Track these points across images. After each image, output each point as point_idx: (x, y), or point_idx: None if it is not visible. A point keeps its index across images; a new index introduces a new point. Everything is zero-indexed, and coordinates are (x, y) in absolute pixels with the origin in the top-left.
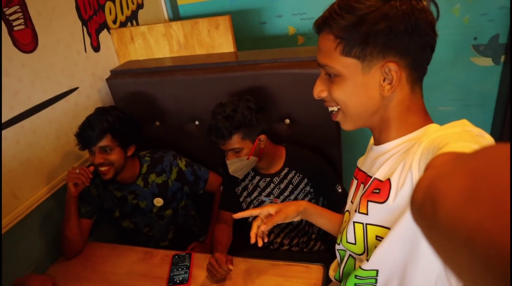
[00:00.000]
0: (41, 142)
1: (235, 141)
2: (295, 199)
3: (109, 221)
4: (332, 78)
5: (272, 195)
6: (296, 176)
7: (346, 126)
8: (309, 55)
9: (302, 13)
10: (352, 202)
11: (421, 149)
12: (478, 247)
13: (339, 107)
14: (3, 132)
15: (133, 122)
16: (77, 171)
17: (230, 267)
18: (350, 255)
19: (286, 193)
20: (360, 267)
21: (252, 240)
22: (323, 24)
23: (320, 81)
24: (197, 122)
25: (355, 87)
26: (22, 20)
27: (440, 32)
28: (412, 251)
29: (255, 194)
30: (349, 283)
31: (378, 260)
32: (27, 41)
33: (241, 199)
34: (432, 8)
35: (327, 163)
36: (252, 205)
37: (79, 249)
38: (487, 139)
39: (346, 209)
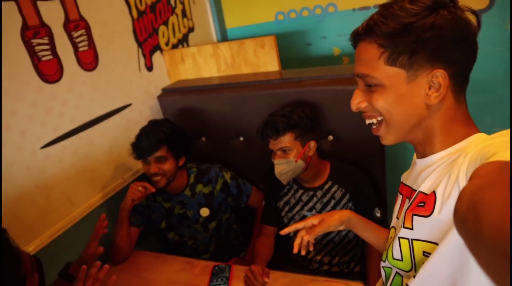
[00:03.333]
0: (96, 153)
1: (287, 139)
2: None
3: (156, 233)
4: (372, 88)
5: (314, 210)
6: (338, 191)
7: (389, 139)
8: (351, 72)
9: (347, 34)
10: (397, 218)
11: (468, 159)
12: None
13: (381, 118)
14: (64, 142)
15: (184, 134)
16: (140, 189)
17: (266, 279)
18: (397, 272)
19: (328, 208)
20: (407, 284)
21: (295, 250)
22: (365, 32)
23: (358, 92)
24: (241, 138)
25: (398, 96)
26: (86, 42)
27: (494, 49)
28: (461, 266)
29: (297, 208)
30: None
31: (425, 277)
32: (89, 61)
33: (283, 214)
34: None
35: (370, 182)
36: (293, 220)
37: (126, 256)
38: None
39: (391, 225)
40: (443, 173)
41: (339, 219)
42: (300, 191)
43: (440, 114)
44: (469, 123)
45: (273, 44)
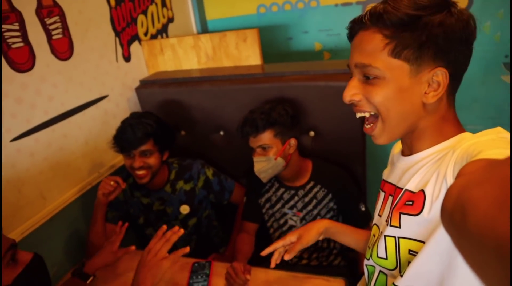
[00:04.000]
0: (71, 146)
1: (267, 137)
2: (318, 214)
3: (133, 228)
4: (371, 80)
5: (295, 208)
6: (321, 191)
7: (383, 139)
8: (335, 68)
9: (329, 29)
10: (380, 215)
11: (455, 157)
12: (507, 257)
13: (374, 112)
14: (37, 134)
15: (169, 128)
16: (112, 183)
17: (248, 276)
18: (380, 271)
19: (309, 208)
20: (393, 283)
21: (272, 265)
22: (371, 21)
23: (354, 83)
24: (222, 133)
25: (398, 91)
26: (60, 30)
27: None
28: (449, 264)
29: (278, 206)
30: None
31: (413, 275)
32: (63, 49)
33: (264, 211)
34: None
35: (352, 179)
36: (273, 217)
37: None
38: None
39: (374, 222)
40: (430, 171)
41: (317, 232)
42: (282, 189)
43: (434, 113)
44: (456, 123)
45: (255, 38)
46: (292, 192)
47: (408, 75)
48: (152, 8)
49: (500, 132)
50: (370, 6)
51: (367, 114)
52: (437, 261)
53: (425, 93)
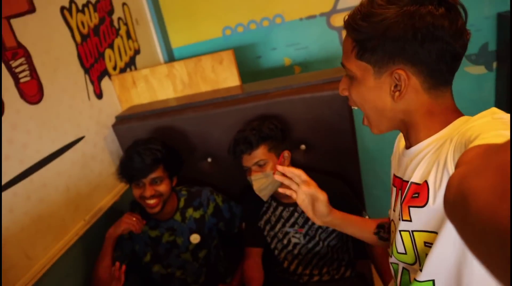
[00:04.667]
0: (51, 196)
1: (261, 152)
2: (319, 227)
3: (138, 269)
4: (351, 79)
5: (296, 225)
6: None
7: (374, 130)
8: (318, 79)
9: (296, 43)
10: (394, 210)
11: (454, 143)
12: (509, 245)
13: (358, 107)
14: (14, 187)
15: (177, 152)
16: (134, 220)
17: None
18: (404, 268)
19: (310, 222)
20: (415, 279)
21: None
22: (345, 26)
23: (344, 79)
24: (209, 159)
25: (368, 90)
26: (28, 72)
27: None
28: (463, 251)
29: (279, 226)
30: None
31: (432, 268)
32: (33, 93)
33: (265, 233)
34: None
35: (348, 188)
36: (276, 238)
37: None
38: None
39: (390, 218)
40: (431, 161)
41: (326, 199)
42: (280, 208)
43: (414, 109)
44: (450, 113)
45: (231, 59)
46: (291, 208)
47: (373, 76)
48: (118, 41)
49: (495, 113)
50: (333, 17)
51: (356, 107)
52: (451, 250)
53: (392, 92)
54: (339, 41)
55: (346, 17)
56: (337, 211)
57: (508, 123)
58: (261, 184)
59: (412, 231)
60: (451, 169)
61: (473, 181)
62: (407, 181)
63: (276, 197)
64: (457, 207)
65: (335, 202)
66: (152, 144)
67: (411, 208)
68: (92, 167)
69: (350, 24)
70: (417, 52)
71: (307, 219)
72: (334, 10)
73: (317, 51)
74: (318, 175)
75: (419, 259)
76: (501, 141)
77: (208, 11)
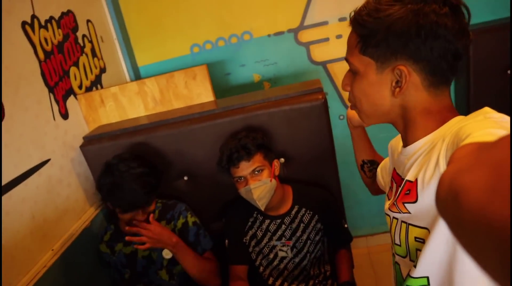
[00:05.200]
0: (15, 224)
1: (259, 159)
2: (308, 238)
3: None
4: (354, 74)
5: (284, 238)
6: (306, 214)
7: (364, 122)
8: (295, 91)
9: (265, 60)
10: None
11: (446, 142)
12: (501, 242)
13: (354, 104)
14: None
15: (157, 168)
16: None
17: None
18: (396, 262)
19: (298, 233)
20: (410, 275)
21: None
22: (350, 21)
23: (347, 75)
24: (186, 178)
25: (370, 85)
26: None
27: None
28: (455, 249)
29: (265, 240)
30: None
31: (426, 266)
32: None
33: (250, 249)
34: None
35: (333, 196)
36: (261, 254)
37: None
38: (509, 122)
39: (385, 212)
40: (424, 159)
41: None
42: (267, 221)
43: (413, 106)
44: (446, 113)
45: (205, 74)
46: (278, 221)
47: (375, 71)
48: (83, 59)
49: (488, 112)
50: (301, 33)
51: (350, 104)
52: (444, 248)
53: (393, 87)
54: (307, 56)
55: (352, 13)
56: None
57: (498, 122)
58: (261, 191)
59: (409, 224)
60: (442, 167)
61: (465, 178)
62: (403, 179)
63: (261, 210)
64: (449, 204)
65: (321, 210)
66: (140, 166)
67: (405, 204)
68: (59, 192)
69: (356, 20)
70: (419, 49)
71: (295, 231)
72: (302, 27)
73: (286, 67)
74: (302, 185)
75: (410, 253)
76: (492, 139)
77: (175, 28)
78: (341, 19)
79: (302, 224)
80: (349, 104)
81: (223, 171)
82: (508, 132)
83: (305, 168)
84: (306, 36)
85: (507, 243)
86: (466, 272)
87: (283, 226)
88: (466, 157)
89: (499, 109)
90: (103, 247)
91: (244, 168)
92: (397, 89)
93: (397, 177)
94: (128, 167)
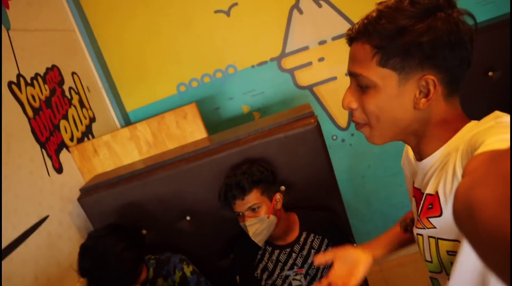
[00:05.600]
0: None
1: (254, 196)
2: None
3: None
4: (364, 89)
5: (295, 266)
6: (316, 239)
7: (375, 140)
8: (288, 118)
9: (252, 90)
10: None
11: (460, 152)
12: None
13: (366, 122)
14: None
15: (139, 233)
16: None
17: None
18: (431, 277)
19: (309, 260)
20: None
21: None
22: (359, 33)
23: (350, 91)
24: (188, 218)
25: (389, 99)
26: None
27: None
28: None
29: (277, 271)
30: None
31: (459, 278)
32: None
33: (263, 283)
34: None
35: (340, 219)
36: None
37: None
38: None
39: (415, 232)
40: (442, 172)
41: (365, 268)
42: (276, 252)
43: (430, 117)
44: (460, 120)
45: (195, 112)
46: (288, 250)
47: (397, 83)
48: (72, 111)
49: (498, 116)
50: (284, 60)
51: (360, 121)
52: (475, 259)
53: (417, 99)
54: (292, 82)
55: (360, 24)
56: (376, 249)
57: (509, 126)
58: (256, 228)
59: (438, 238)
60: (460, 177)
61: (478, 192)
62: (423, 193)
63: (270, 241)
64: (465, 218)
65: (329, 232)
66: (119, 242)
67: (429, 219)
68: (60, 248)
69: (375, 29)
70: (446, 58)
71: (306, 257)
72: (284, 54)
73: (273, 95)
74: (307, 211)
75: (445, 268)
76: (504, 146)
77: (159, 70)
78: (321, 43)
79: (312, 250)
80: (355, 119)
81: (225, 206)
82: None
83: (307, 193)
84: (289, 62)
85: None
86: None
87: (294, 254)
88: (479, 169)
89: (482, 111)
90: None
91: (240, 206)
92: (423, 101)
93: (416, 192)
94: (106, 246)
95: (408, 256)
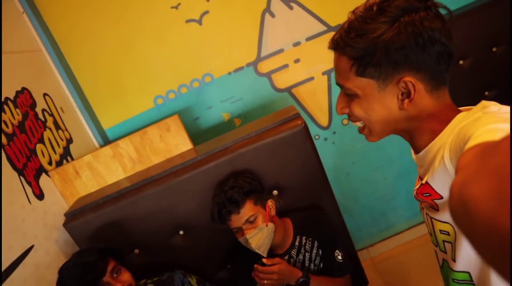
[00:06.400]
0: None
1: (249, 208)
2: (314, 264)
3: None
4: (351, 96)
5: None
6: (308, 241)
7: (372, 139)
8: (274, 121)
9: (230, 97)
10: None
11: (449, 144)
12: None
13: (362, 122)
14: None
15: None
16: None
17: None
18: (435, 251)
19: (306, 263)
20: (451, 268)
21: None
22: (335, 46)
23: (341, 98)
24: (181, 232)
25: (373, 104)
26: None
27: None
28: None
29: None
30: None
31: (464, 262)
32: None
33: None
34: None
35: (328, 219)
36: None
37: None
38: (508, 112)
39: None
40: (433, 163)
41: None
42: None
43: (418, 114)
44: (449, 110)
45: (178, 123)
46: (286, 257)
47: (377, 89)
48: (47, 134)
49: (485, 106)
50: (260, 64)
51: (359, 124)
52: None
53: (400, 100)
54: (270, 86)
55: (336, 36)
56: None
57: (497, 115)
58: (258, 239)
59: (432, 218)
60: (447, 163)
61: (471, 188)
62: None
63: (269, 251)
64: (460, 214)
65: (318, 235)
66: (86, 251)
67: (425, 196)
68: (49, 279)
69: (346, 43)
70: (420, 58)
71: (303, 261)
72: (259, 58)
73: (252, 100)
74: (298, 213)
75: (438, 244)
76: (493, 136)
77: (134, 85)
78: (295, 44)
79: (307, 253)
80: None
81: (219, 225)
82: (508, 124)
83: (299, 195)
84: (265, 66)
85: None
86: None
87: (292, 260)
88: (471, 164)
89: (489, 83)
90: None
91: (236, 221)
92: (406, 101)
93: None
94: (80, 255)
95: (399, 247)
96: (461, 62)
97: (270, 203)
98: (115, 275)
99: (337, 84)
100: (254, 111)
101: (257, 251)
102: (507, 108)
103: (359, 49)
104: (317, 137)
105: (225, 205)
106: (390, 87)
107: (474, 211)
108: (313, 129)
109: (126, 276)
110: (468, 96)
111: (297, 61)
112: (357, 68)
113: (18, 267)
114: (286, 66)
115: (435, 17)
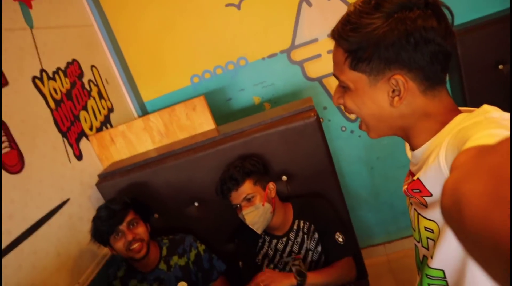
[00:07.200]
0: (42, 262)
1: (248, 187)
2: (310, 248)
3: None
4: (345, 88)
5: (293, 253)
6: (305, 225)
7: (371, 135)
8: (288, 111)
9: (263, 82)
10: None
11: (445, 144)
12: (504, 251)
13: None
14: (5, 259)
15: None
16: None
17: None
18: (415, 244)
19: (305, 245)
20: (428, 265)
21: None
22: (334, 36)
23: (338, 88)
24: (196, 204)
25: (363, 99)
26: (7, 143)
27: None
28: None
29: (277, 258)
30: (424, 282)
31: (441, 260)
32: (13, 162)
33: (264, 268)
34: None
35: (329, 206)
36: (277, 269)
37: None
38: (509, 120)
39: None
40: (428, 161)
41: None
42: (274, 241)
43: (411, 113)
44: (447, 111)
45: (203, 104)
46: (284, 239)
47: (368, 84)
48: (91, 102)
49: (487, 111)
50: (293, 52)
51: (353, 116)
52: (456, 247)
53: (391, 98)
54: (302, 74)
55: (335, 27)
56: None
57: (497, 121)
58: (253, 216)
59: (418, 213)
60: (442, 163)
61: (466, 186)
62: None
63: (268, 231)
64: (453, 214)
65: (315, 220)
66: (114, 200)
67: (415, 191)
68: (80, 228)
69: (341, 36)
70: (411, 56)
71: (302, 243)
72: (293, 46)
73: (283, 86)
74: (301, 199)
75: (421, 240)
76: (492, 141)
77: (174, 62)
78: (330, 35)
79: (305, 235)
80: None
81: (224, 201)
82: (509, 131)
83: (306, 183)
84: (298, 54)
85: (509, 252)
86: (477, 271)
87: (290, 242)
88: (467, 163)
89: (494, 103)
90: (117, 283)
91: (235, 197)
92: (396, 99)
93: (410, 173)
94: (107, 203)
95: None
96: (500, 66)
97: (271, 186)
98: (131, 226)
99: (333, 74)
100: (284, 97)
101: (251, 227)
102: (508, 115)
103: (352, 43)
104: (343, 129)
105: (225, 182)
106: (381, 84)
107: (467, 209)
108: (340, 121)
109: (140, 229)
110: (507, 100)
111: (330, 52)
112: (351, 62)
113: (55, 215)
114: (319, 55)
115: (431, 16)
